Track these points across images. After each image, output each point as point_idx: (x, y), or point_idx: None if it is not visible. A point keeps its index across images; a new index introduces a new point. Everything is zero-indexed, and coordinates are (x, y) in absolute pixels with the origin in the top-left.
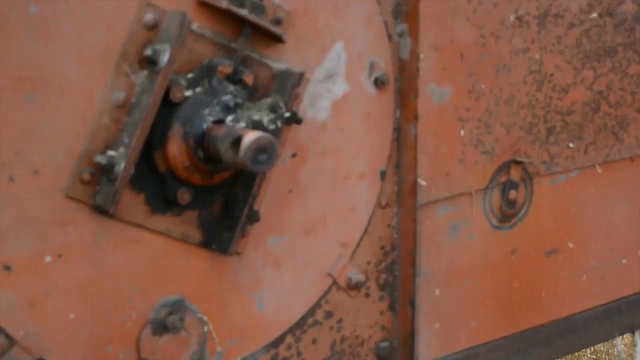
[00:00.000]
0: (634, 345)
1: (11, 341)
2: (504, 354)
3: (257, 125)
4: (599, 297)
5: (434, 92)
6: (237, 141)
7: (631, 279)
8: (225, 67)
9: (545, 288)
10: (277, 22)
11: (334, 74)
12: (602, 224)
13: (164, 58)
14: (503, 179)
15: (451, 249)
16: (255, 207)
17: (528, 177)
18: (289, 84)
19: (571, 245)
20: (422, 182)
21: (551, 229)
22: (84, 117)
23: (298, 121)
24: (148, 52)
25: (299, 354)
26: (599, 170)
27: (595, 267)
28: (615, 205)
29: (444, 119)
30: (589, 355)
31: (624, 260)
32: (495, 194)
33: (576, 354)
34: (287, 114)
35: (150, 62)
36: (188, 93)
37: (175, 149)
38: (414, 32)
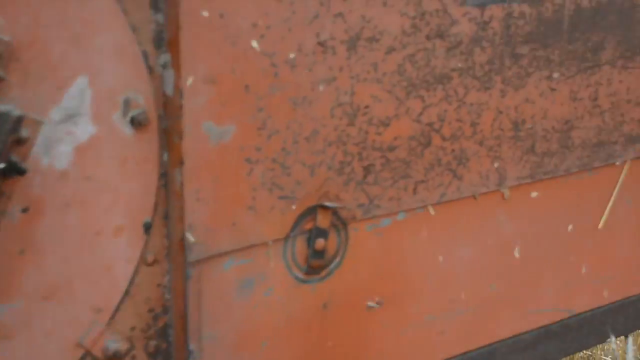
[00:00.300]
0: (626, 352)
1: None
2: None
3: None
4: (436, 354)
5: (212, 131)
6: None
7: (478, 331)
8: None
9: (367, 347)
10: None
11: (76, 114)
12: (438, 272)
13: None
14: (308, 226)
15: (244, 308)
16: None
17: (341, 223)
18: (3, 129)
19: (397, 297)
20: (190, 237)
21: (373, 279)
22: None
23: (20, 172)
24: None
25: None
26: (431, 212)
27: (432, 320)
28: (456, 250)
29: (226, 162)
30: (584, 352)
31: (468, 311)
32: (300, 244)
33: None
34: (2, 165)
35: None
36: None
37: None
38: (176, 64)
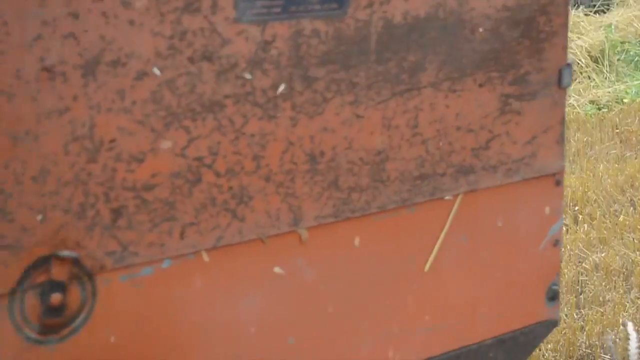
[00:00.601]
0: (628, 340)
1: None
2: None
3: None
4: None
5: None
6: None
7: None
8: None
9: None
10: None
11: None
12: (219, 325)
13: None
14: (42, 278)
15: None
16: None
17: (85, 274)
18: None
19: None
20: None
21: (133, 337)
22: None
23: None
24: None
25: None
26: (205, 258)
27: None
28: (241, 300)
29: None
30: (584, 350)
31: None
32: (31, 299)
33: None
34: None
35: None
36: None
37: None
38: None
